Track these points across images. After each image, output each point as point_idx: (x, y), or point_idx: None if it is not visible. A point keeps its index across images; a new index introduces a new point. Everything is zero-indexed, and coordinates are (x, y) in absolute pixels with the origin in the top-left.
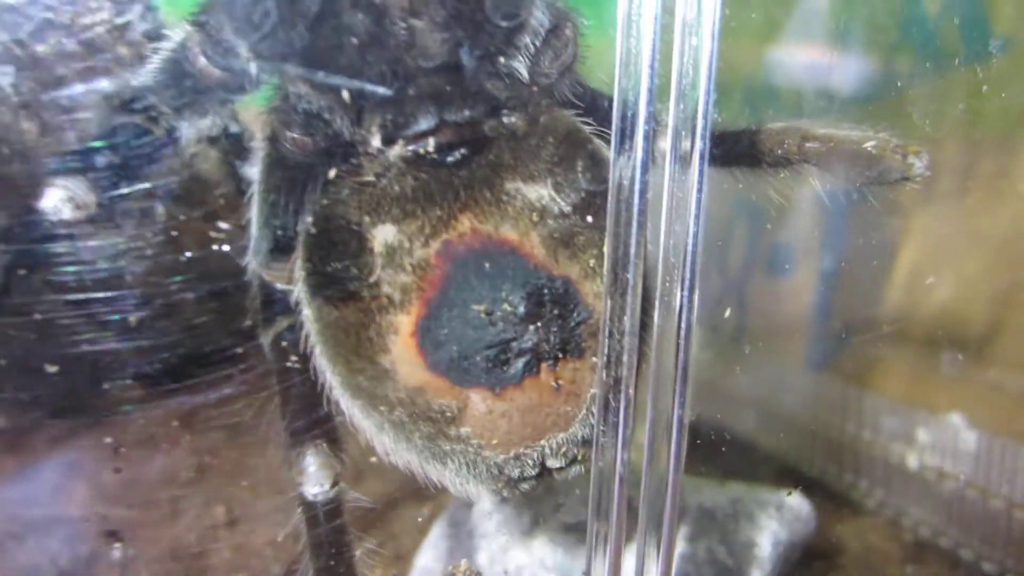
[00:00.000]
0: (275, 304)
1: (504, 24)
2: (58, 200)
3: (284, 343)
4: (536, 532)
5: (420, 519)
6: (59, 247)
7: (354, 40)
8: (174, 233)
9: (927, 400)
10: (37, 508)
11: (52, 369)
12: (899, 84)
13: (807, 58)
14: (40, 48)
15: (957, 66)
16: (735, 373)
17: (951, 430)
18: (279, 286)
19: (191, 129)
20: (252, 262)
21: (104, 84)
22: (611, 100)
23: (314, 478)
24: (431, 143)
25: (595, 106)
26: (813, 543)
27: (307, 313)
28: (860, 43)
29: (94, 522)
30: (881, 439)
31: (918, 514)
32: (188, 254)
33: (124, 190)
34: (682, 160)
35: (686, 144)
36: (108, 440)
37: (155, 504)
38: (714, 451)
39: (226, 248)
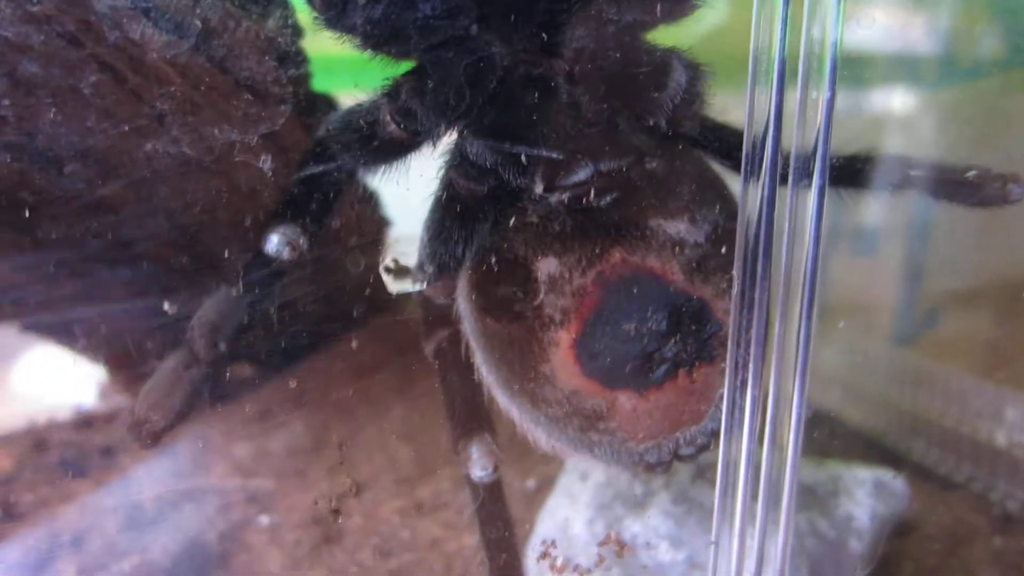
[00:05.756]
0: (437, 316)
1: (655, 95)
2: (279, 244)
3: (445, 350)
4: (649, 503)
5: (530, 487)
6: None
7: (525, 111)
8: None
9: (1017, 380)
10: (185, 481)
11: (292, 384)
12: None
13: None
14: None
15: None
16: (827, 355)
17: None
18: (440, 301)
19: (367, 175)
20: (419, 283)
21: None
22: (726, 128)
23: (479, 464)
24: (588, 190)
25: (717, 141)
26: (904, 515)
27: (472, 327)
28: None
29: (239, 492)
30: (969, 416)
31: (1007, 488)
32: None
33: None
34: (802, 193)
35: (805, 181)
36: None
37: (289, 475)
38: (811, 431)
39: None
